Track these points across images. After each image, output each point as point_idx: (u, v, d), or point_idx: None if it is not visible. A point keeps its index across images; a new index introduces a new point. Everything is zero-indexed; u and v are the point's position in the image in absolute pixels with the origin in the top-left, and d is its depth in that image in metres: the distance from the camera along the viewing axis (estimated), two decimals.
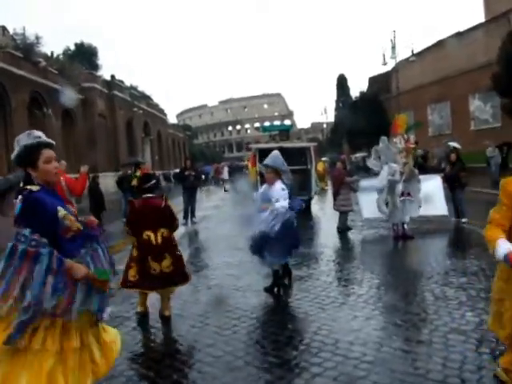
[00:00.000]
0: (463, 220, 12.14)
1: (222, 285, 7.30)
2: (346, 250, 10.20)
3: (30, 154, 3.27)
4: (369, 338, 4.80)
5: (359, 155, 49.17)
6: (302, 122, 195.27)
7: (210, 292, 6.98)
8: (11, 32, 52.77)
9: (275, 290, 6.85)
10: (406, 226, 10.91)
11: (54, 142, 3.47)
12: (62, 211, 3.15)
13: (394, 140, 10.93)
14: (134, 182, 6.35)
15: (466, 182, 12.69)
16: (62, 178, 7.95)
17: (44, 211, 3.10)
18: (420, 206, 10.98)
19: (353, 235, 11.64)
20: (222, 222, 15.70)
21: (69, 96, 30.87)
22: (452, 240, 10.82)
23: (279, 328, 5.28)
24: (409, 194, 10.87)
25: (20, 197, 3.16)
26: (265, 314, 5.97)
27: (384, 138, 11.08)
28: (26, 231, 2.96)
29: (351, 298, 6.27)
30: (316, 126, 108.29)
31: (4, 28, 51.23)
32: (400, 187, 10.69)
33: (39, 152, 3.27)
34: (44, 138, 3.40)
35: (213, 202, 23.81)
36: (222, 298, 6.57)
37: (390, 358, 4.36)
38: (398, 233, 10.84)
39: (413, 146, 11.12)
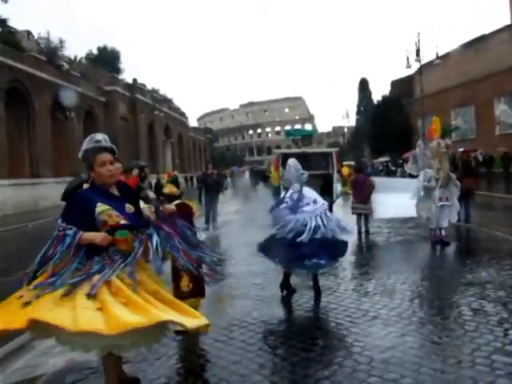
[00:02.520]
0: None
1: (246, 295, 6.99)
2: (374, 257, 9.87)
3: (88, 158, 3.74)
4: (406, 357, 4.47)
5: (381, 160, 48.67)
6: (323, 125, 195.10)
7: (234, 303, 6.67)
8: (36, 36, 53.40)
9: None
10: (443, 232, 10.64)
11: (109, 146, 3.84)
12: (100, 207, 3.57)
13: (430, 145, 10.65)
14: (166, 190, 6.08)
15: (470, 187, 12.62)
16: None
17: (80, 207, 3.61)
18: (459, 211, 10.74)
19: (381, 242, 11.30)
20: (244, 228, 15.42)
21: (68, 96, 30.94)
22: (485, 249, 10.37)
23: (309, 344, 4.96)
24: (447, 199, 10.57)
25: None
26: (292, 328, 5.65)
27: (420, 143, 10.86)
28: (59, 220, 3.56)
29: (383, 312, 5.92)
30: (337, 130, 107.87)
31: (29, 32, 51.83)
32: (437, 193, 10.48)
33: (95, 156, 3.70)
34: (103, 142, 3.80)
35: (234, 207, 23.55)
36: (247, 309, 6.27)
37: (431, 381, 4.03)
38: (436, 238, 10.59)
39: (444, 150, 10.76)
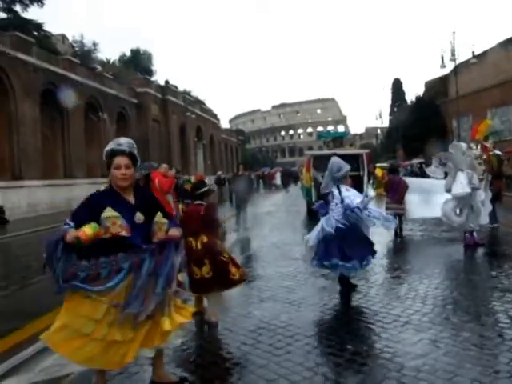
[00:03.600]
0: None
1: (275, 298, 6.86)
2: (405, 260, 9.63)
3: (106, 160, 3.88)
4: (438, 365, 4.29)
5: (415, 161, 47.94)
6: (356, 127, 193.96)
7: (262, 306, 6.55)
8: (70, 39, 54.35)
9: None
10: (475, 234, 10.43)
11: (128, 150, 3.88)
12: (107, 212, 3.60)
13: (471, 145, 10.42)
14: (187, 187, 6.17)
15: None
16: (156, 180, 10.32)
17: (89, 208, 3.66)
18: (490, 213, 10.52)
19: (414, 244, 11.08)
20: (275, 229, 15.32)
21: (68, 96, 31.15)
22: None
23: (338, 349, 4.82)
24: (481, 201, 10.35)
25: None
26: (321, 332, 5.50)
27: (456, 144, 10.64)
28: (67, 219, 3.63)
29: (415, 317, 5.73)
30: (370, 131, 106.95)
31: (64, 36, 52.81)
32: (480, 192, 10.30)
33: (112, 158, 3.82)
34: (124, 146, 3.88)
35: (265, 208, 23.47)
36: (276, 312, 6.15)
37: None
38: (470, 241, 10.34)
39: (491, 152, 10.55)
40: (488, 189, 10.60)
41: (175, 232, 3.87)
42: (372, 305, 6.36)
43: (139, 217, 3.74)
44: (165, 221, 3.91)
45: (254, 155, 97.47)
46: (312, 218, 18.03)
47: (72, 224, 3.53)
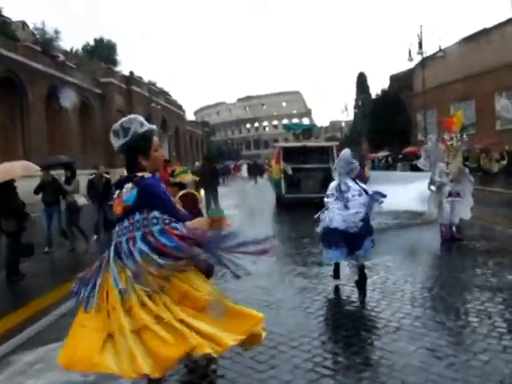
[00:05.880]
0: None
1: (251, 300, 6.26)
2: (384, 256, 9.07)
3: (144, 142, 3.26)
4: (443, 382, 3.83)
5: (381, 154, 48.10)
6: (321, 120, 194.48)
7: None
8: (31, 27, 52.58)
9: None
10: (453, 228, 10.18)
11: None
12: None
13: (445, 137, 10.13)
14: (180, 179, 5.66)
15: None
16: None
17: (164, 194, 3.22)
18: (472, 208, 10.21)
19: (390, 238, 10.64)
20: (245, 223, 14.77)
21: (68, 96, 30.31)
22: (502, 248, 9.73)
23: (330, 361, 4.29)
24: (458, 195, 10.04)
25: (130, 183, 3.20)
26: (307, 342, 4.84)
27: (430, 137, 10.50)
28: (156, 213, 3.15)
29: (406, 321, 5.25)
30: (334, 125, 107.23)
31: (24, 23, 51.03)
32: (447, 188, 10.07)
33: (152, 139, 3.30)
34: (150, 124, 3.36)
35: (233, 201, 22.88)
36: None
37: None
38: (446, 235, 10.12)
39: (456, 144, 10.20)
40: (468, 182, 10.30)
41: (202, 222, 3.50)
42: (358, 308, 5.90)
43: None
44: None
45: (220, 147, 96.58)
46: (281, 208, 17.86)
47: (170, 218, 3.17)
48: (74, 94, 31.24)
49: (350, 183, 6.70)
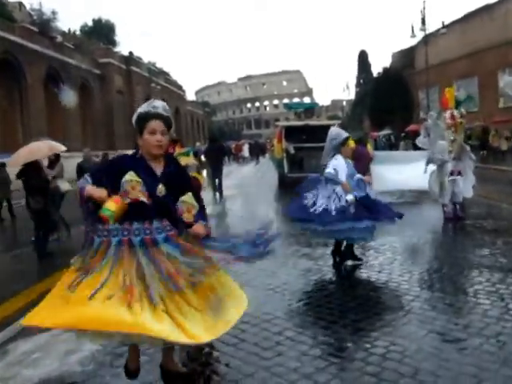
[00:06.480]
0: None
1: (254, 283, 6.10)
2: (388, 236, 8.80)
3: (139, 123, 3.34)
4: (456, 368, 3.65)
5: (383, 133, 47.71)
6: (322, 99, 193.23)
7: None
8: (28, 7, 51.99)
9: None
10: (457, 207, 10.04)
11: (165, 115, 3.36)
12: (130, 176, 3.17)
13: (444, 115, 9.86)
14: (182, 162, 5.46)
15: None
16: None
17: (111, 171, 3.32)
18: (474, 186, 10.03)
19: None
20: (248, 204, 14.60)
21: (68, 96, 29.99)
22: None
23: (336, 349, 4.12)
24: (459, 173, 9.84)
25: None
26: (313, 327, 4.70)
27: (431, 114, 10.28)
28: (86, 175, 3.30)
29: (415, 304, 5.09)
30: (336, 103, 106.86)
31: (20, 3, 50.54)
32: (449, 166, 9.84)
33: (146, 122, 3.30)
34: (160, 109, 3.35)
35: (235, 181, 22.68)
36: (258, 301, 5.39)
37: None
38: (450, 214, 9.95)
39: (460, 120, 9.96)
40: (469, 160, 10.09)
41: (199, 229, 3.36)
42: (365, 290, 5.74)
43: (161, 189, 3.29)
44: (195, 204, 3.39)
45: (221, 128, 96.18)
46: (284, 188, 17.69)
47: (90, 180, 3.21)
48: (73, 93, 30.86)
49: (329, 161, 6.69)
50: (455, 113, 9.80)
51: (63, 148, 10.07)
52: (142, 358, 3.64)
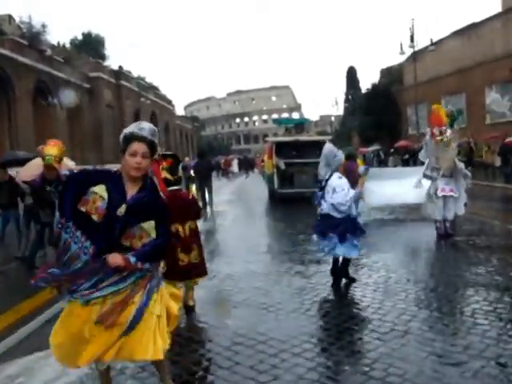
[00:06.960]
0: None
1: (248, 302, 5.98)
2: (382, 253, 8.71)
3: (123, 143, 3.30)
4: None
5: (372, 149, 47.86)
6: (311, 114, 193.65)
7: (236, 313, 5.67)
8: (17, 20, 51.81)
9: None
10: (447, 224, 9.96)
11: (149, 138, 3.31)
12: (98, 189, 3.13)
13: (434, 131, 9.83)
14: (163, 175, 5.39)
15: None
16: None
17: (85, 181, 3.20)
18: (466, 204, 10.00)
19: (388, 235, 10.39)
20: (239, 220, 14.47)
21: (68, 97, 29.87)
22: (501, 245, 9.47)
23: (334, 372, 4.00)
24: (451, 190, 9.80)
25: None
26: (310, 348, 4.54)
27: (427, 131, 10.43)
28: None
29: (413, 324, 5.00)
30: (324, 119, 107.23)
31: (10, 16, 50.34)
32: (438, 183, 9.86)
33: (130, 143, 3.26)
34: (146, 131, 3.32)
35: (225, 196, 22.55)
36: (252, 321, 5.27)
37: None
38: (441, 231, 9.90)
39: (446, 139, 9.90)
40: (461, 178, 10.05)
41: (117, 259, 3.11)
42: (361, 309, 5.62)
43: (122, 209, 3.16)
44: (151, 234, 3.27)
45: (210, 142, 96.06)
46: (275, 203, 17.64)
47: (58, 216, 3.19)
48: (73, 93, 30.69)
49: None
50: (447, 130, 9.78)
51: (72, 163, 9.66)
52: (143, 374, 3.49)
